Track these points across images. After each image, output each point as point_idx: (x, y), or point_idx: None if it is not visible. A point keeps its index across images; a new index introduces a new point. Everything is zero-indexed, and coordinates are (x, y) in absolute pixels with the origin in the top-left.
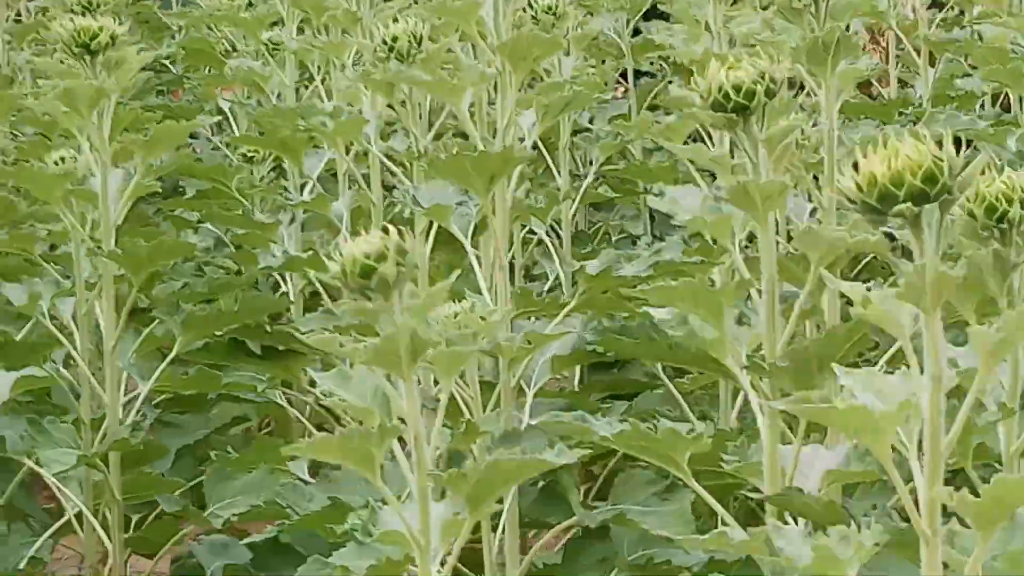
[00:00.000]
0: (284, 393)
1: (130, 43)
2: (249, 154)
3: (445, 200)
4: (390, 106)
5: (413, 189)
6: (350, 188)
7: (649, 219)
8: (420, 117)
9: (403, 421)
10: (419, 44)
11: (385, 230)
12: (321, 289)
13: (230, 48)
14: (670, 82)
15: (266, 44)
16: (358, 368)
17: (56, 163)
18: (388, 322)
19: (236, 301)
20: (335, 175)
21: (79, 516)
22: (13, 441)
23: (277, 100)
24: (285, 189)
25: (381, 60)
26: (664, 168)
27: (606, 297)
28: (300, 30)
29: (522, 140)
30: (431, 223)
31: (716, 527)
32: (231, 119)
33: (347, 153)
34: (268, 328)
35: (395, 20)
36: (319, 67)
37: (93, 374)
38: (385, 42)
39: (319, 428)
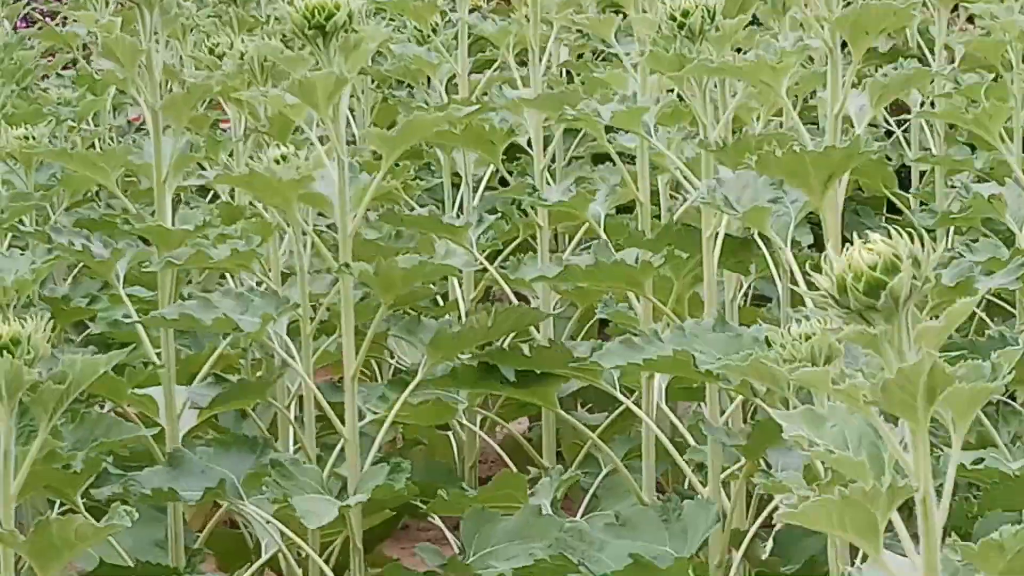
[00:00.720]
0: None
1: None
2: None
3: (760, 199)
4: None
5: (719, 186)
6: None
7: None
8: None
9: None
10: (712, 20)
11: (889, 235)
12: (511, 294)
13: None
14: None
15: (435, 28)
16: (832, 407)
17: (276, 162)
18: (894, 353)
19: (489, 315)
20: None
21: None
22: (232, 485)
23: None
24: (425, 190)
25: (667, 39)
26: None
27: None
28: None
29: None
30: None
31: None
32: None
33: None
34: (527, 351)
35: None
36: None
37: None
38: (674, 18)
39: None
